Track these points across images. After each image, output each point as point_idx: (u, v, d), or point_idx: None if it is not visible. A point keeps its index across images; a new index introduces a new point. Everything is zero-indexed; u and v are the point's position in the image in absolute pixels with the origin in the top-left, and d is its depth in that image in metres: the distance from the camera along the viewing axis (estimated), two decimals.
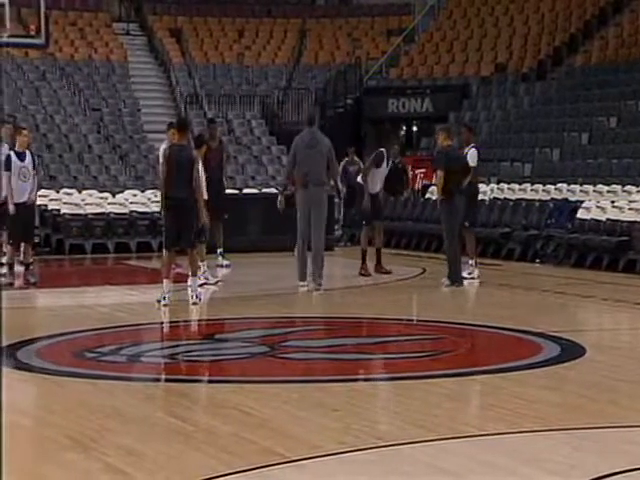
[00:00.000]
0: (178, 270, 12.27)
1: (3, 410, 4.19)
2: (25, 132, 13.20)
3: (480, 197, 16.07)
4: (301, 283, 12.40)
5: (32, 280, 12.90)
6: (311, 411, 6.43)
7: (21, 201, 12.74)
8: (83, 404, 6.67)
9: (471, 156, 13.09)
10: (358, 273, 13.79)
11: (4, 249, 13.63)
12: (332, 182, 12.75)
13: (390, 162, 14.23)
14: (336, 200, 16.36)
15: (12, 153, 12.80)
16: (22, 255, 13.15)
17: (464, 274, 13.07)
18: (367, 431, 5.83)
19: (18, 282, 12.90)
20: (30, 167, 12.87)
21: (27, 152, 12.96)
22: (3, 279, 12.91)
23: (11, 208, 12.64)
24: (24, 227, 12.94)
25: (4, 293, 12.05)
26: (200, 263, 12.36)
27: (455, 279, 12.63)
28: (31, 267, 13.02)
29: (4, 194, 12.80)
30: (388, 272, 13.96)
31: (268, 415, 6.28)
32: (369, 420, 6.15)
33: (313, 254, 12.45)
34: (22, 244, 13.08)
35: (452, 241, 12.67)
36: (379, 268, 14.02)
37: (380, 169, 13.90)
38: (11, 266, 13.00)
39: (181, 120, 11.79)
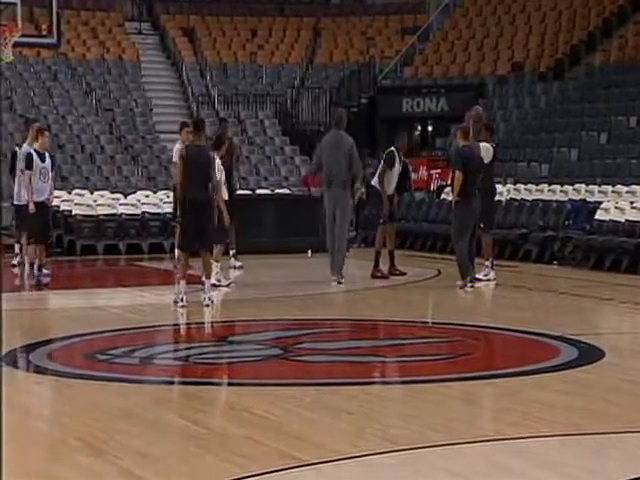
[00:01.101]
0: (190, 272, 12.11)
1: (3, 410, 4.09)
2: (46, 133, 13.27)
3: (497, 198, 16.07)
4: (333, 277, 12.92)
5: (44, 281, 12.87)
6: (325, 414, 6.39)
7: (40, 200, 12.77)
8: (94, 406, 6.64)
9: (484, 149, 12.82)
10: (371, 275, 13.67)
11: (18, 249, 13.70)
12: (356, 181, 13.02)
13: (402, 159, 14.02)
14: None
15: (33, 152, 12.83)
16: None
17: (480, 276, 12.96)
18: (382, 435, 5.78)
19: (30, 283, 12.95)
20: (49, 168, 12.95)
21: (46, 153, 13.04)
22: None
23: (31, 207, 12.66)
24: (41, 227, 12.96)
25: (19, 294, 12.22)
26: (214, 264, 12.34)
27: (468, 281, 12.47)
28: (44, 268, 12.98)
29: (24, 194, 12.88)
30: (403, 274, 13.87)
31: (282, 418, 6.25)
32: (384, 424, 6.08)
33: (336, 251, 13.03)
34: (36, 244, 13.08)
35: (459, 244, 12.53)
36: (393, 270, 13.91)
37: (394, 169, 13.78)
38: (32, 265, 13.04)
39: (197, 120, 11.77)
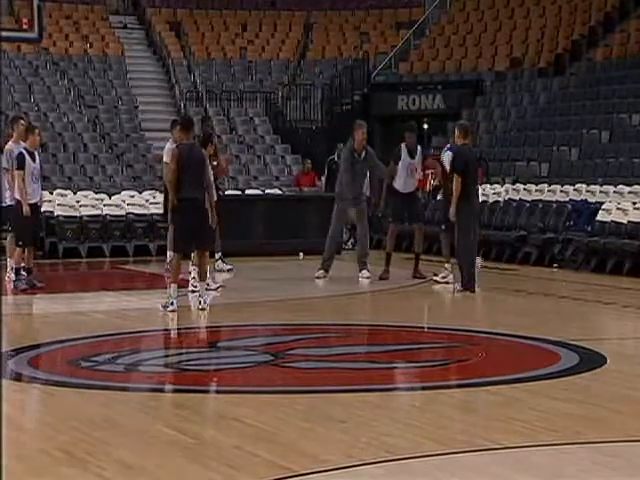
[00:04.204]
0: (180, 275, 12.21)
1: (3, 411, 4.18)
2: (37, 131, 13.00)
3: (495, 198, 16.52)
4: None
5: (22, 287, 12.56)
6: (317, 423, 6.31)
7: (32, 202, 12.49)
8: (78, 415, 6.53)
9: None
10: (379, 277, 13.61)
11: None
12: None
13: (419, 150, 14.01)
14: None
15: (25, 152, 12.50)
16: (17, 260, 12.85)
17: (438, 278, 13.14)
18: (376, 444, 5.73)
19: (10, 287, 12.69)
20: (39, 168, 12.71)
21: (36, 152, 12.76)
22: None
23: (26, 210, 12.34)
24: (32, 231, 12.77)
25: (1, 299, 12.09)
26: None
27: (468, 285, 12.37)
28: (22, 272, 12.76)
29: (16, 195, 12.53)
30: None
31: (272, 427, 6.17)
32: (378, 432, 6.00)
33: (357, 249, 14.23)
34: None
35: (466, 244, 12.42)
36: (385, 273, 13.81)
37: (399, 164, 13.75)
38: (18, 271, 12.77)
39: (186, 118, 12.01)
